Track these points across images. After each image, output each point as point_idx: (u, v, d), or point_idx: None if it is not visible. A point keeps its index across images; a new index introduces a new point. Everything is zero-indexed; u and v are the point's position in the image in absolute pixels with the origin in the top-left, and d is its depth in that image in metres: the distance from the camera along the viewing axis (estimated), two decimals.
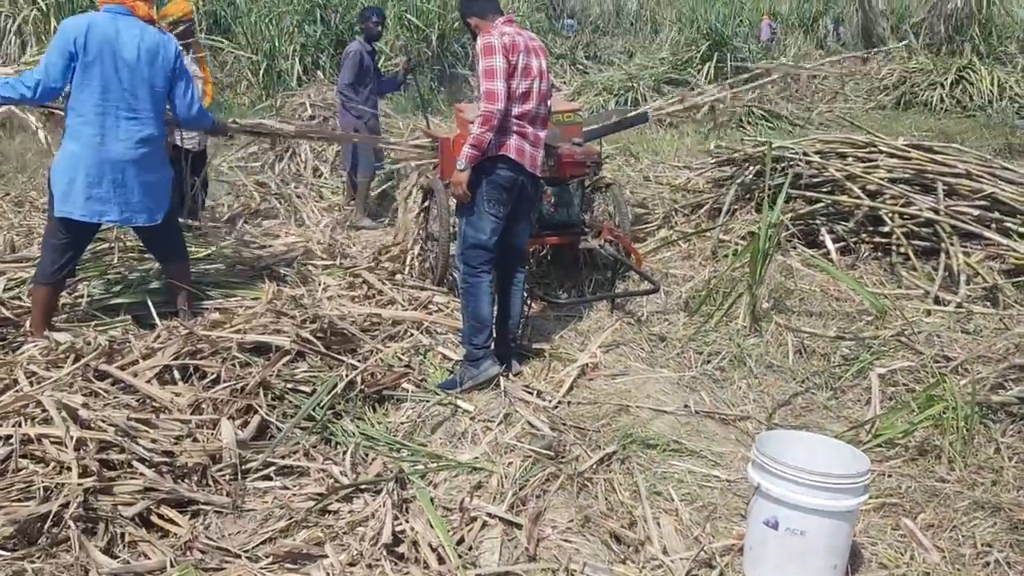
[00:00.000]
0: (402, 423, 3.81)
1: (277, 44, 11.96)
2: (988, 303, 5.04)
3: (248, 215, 6.97)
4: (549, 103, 4.28)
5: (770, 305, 4.85)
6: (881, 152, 5.93)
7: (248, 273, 5.17)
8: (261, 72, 11.75)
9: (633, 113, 6.04)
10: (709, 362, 4.40)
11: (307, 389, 3.77)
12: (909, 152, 5.87)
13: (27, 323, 4.21)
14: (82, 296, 4.61)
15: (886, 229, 5.53)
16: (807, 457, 2.73)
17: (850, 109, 13.07)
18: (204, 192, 6.28)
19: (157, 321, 4.16)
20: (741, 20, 16.12)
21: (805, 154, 5.91)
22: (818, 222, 5.82)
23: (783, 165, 6.04)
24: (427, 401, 3.92)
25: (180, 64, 4.25)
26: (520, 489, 3.14)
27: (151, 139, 4.17)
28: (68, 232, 4.13)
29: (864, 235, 5.73)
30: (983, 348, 3.99)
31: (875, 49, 16.86)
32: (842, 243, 5.73)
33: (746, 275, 4.73)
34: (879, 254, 5.68)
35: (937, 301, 5.01)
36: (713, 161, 6.64)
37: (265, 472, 3.29)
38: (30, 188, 7.32)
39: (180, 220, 4.91)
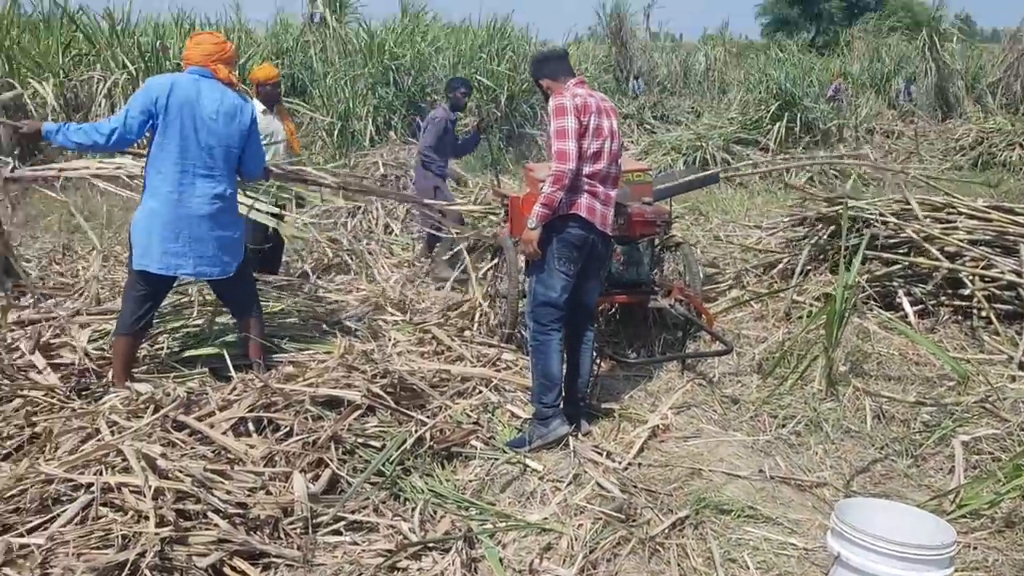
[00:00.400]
0: (470, 481, 3.79)
1: (351, 106, 12.30)
2: None
3: (321, 270, 7.11)
4: (620, 162, 4.30)
5: (847, 368, 4.74)
6: (960, 213, 5.79)
7: (320, 327, 5.25)
8: (336, 133, 12.08)
9: (703, 173, 6.02)
10: (784, 426, 4.30)
11: (377, 444, 3.78)
12: (989, 213, 5.73)
13: (109, 374, 4.34)
14: (162, 348, 4.74)
15: (967, 292, 5.38)
16: (889, 526, 2.63)
17: (925, 169, 12.83)
18: (281, 248, 6.47)
19: (233, 373, 4.24)
20: (811, 80, 16.03)
21: (881, 214, 5.80)
22: (895, 284, 5.69)
23: (858, 225, 5.94)
24: (495, 459, 3.90)
25: (255, 127, 4.42)
26: (590, 552, 3.09)
27: (225, 196, 4.31)
28: (146, 284, 4.27)
29: (943, 298, 5.58)
30: None
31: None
32: (920, 306, 5.59)
33: (821, 337, 4.64)
34: (959, 318, 5.53)
35: (1022, 367, 4.84)
36: (786, 220, 6.56)
37: (335, 527, 3.29)
38: (115, 243, 7.59)
39: (255, 274, 5.04)
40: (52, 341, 4.63)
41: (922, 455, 3.93)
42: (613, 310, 5.79)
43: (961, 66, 20.42)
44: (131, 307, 4.29)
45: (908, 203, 5.89)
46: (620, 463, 3.93)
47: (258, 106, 6.02)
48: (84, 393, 4.22)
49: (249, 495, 3.26)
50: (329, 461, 3.58)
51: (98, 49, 12.27)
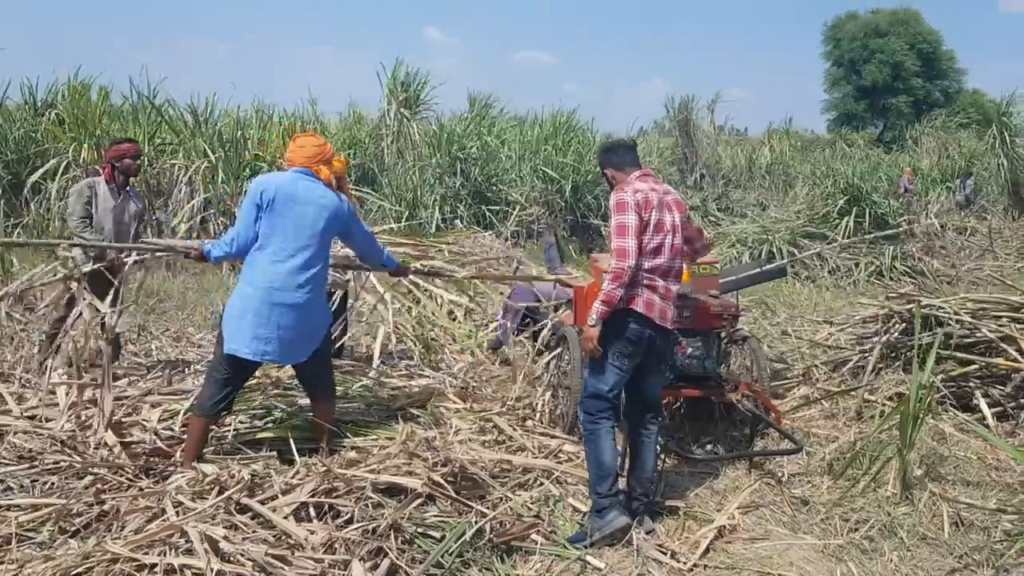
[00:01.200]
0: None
1: (419, 194, 12.61)
2: None
3: (384, 355, 7.18)
4: (682, 257, 4.28)
5: (922, 472, 4.56)
6: None
7: (383, 413, 5.27)
8: (403, 220, 12.38)
9: (771, 266, 5.98)
10: (856, 530, 4.13)
11: (436, 534, 3.75)
12: None
13: (178, 452, 4.41)
14: (228, 429, 4.81)
15: None
16: None
17: (1001, 267, 12.54)
18: (345, 331, 6.56)
19: (296, 457, 4.27)
20: (879, 176, 15.92)
21: (956, 313, 5.66)
22: (972, 385, 5.51)
23: (932, 324, 5.80)
24: (556, 555, 3.81)
25: (353, 218, 4.62)
26: None
27: (316, 287, 4.44)
28: (232, 368, 4.38)
29: (1023, 400, 5.37)
30: None
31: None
32: (999, 408, 5.38)
33: (894, 438, 4.48)
34: None
35: None
36: (858, 317, 6.44)
37: None
38: (188, 324, 7.81)
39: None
40: (124, 420, 4.74)
41: (1004, 566, 3.72)
42: (679, 404, 5.70)
43: None
44: (213, 389, 4.40)
45: (983, 302, 5.73)
46: (685, 564, 3.82)
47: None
48: (151, 473, 4.29)
49: None
50: (388, 550, 3.55)
51: (181, 139, 12.87)
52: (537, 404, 5.59)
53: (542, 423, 5.45)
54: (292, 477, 4.03)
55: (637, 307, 4.00)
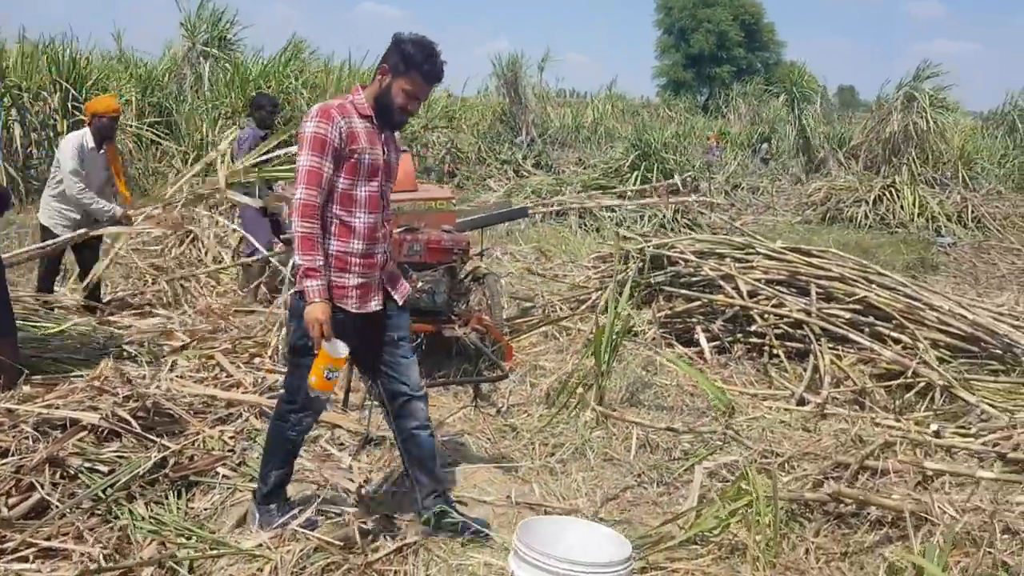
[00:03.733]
0: (205, 509, 3.60)
1: (208, 136, 12.05)
2: (857, 407, 4.96)
3: (135, 297, 6.83)
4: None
5: (626, 397, 4.74)
6: (758, 253, 5.95)
7: (97, 353, 4.98)
8: (189, 162, 11.80)
9: (512, 208, 6.05)
10: (553, 454, 4.25)
11: (105, 469, 3.57)
12: (786, 255, 5.90)
13: None
14: None
15: (756, 328, 5.49)
16: (570, 545, 2.57)
17: (777, 221, 13.32)
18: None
19: None
20: (681, 136, 16.54)
21: (682, 253, 5.91)
22: (694, 320, 5.78)
23: (664, 264, 6.04)
24: (235, 488, 3.71)
25: None
26: None
27: None
28: None
29: (740, 335, 5.68)
30: (812, 445, 3.87)
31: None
32: (717, 342, 5.68)
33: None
34: (755, 354, 5.63)
35: (802, 402, 4.93)
36: (593, 256, 6.63)
37: (24, 553, 3.05)
38: None
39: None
40: None
41: (674, 483, 3.92)
42: (418, 339, 5.69)
43: (826, 129, 21.50)
44: None
45: (712, 243, 6.01)
46: (375, 489, 3.81)
47: (88, 140, 5.76)
48: None
49: None
50: (39, 485, 3.35)
51: None
52: (271, 341, 5.44)
53: (272, 360, 5.31)
54: None
55: None
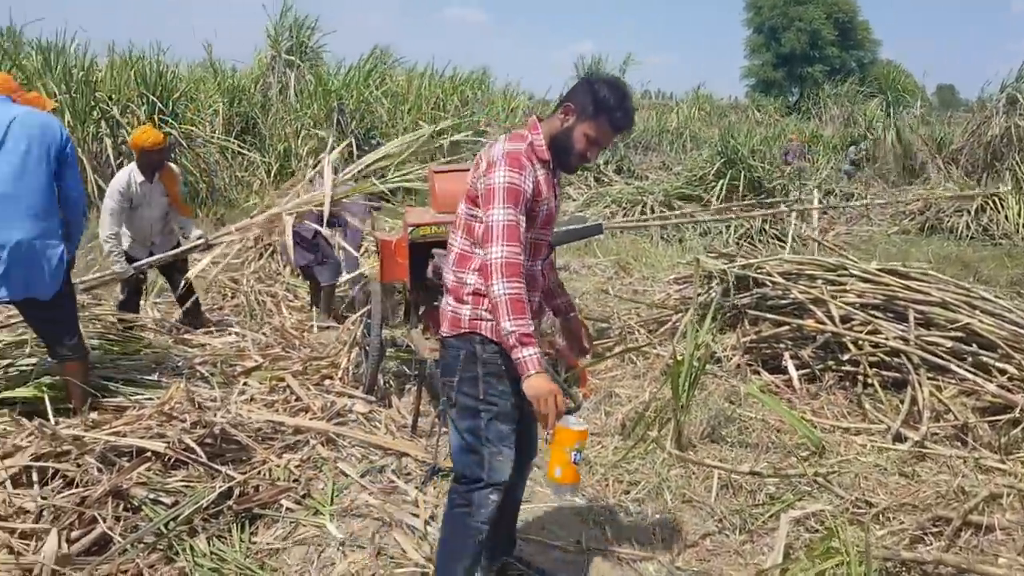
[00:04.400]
0: (269, 544, 3.51)
1: (292, 146, 12.18)
2: (959, 443, 4.60)
3: (213, 313, 6.88)
4: None
5: (707, 432, 4.49)
6: (852, 275, 5.60)
7: (170, 373, 4.98)
8: (272, 173, 11.94)
9: (585, 225, 5.83)
10: (628, 492, 4.04)
11: (169, 500, 3.51)
12: (882, 277, 5.53)
13: None
14: None
15: (848, 357, 5.16)
16: None
17: (872, 232, 12.73)
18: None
19: (52, 419, 3.99)
20: (759, 140, 16.01)
21: (769, 274, 5.61)
22: (782, 346, 5.47)
23: (750, 285, 5.75)
24: (298, 522, 3.62)
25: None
26: None
27: None
28: None
29: (831, 363, 5.35)
30: (910, 495, 3.56)
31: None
32: (807, 370, 5.36)
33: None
34: (847, 383, 5.30)
35: (898, 438, 4.59)
36: (671, 277, 6.36)
37: None
38: None
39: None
40: None
41: (757, 530, 3.66)
42: None
43: (925, 131, 20.52)
44: None
45: (801, 264, 5.69)
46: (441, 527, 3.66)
47: (136, 175, 5.80)
48: None
49: None
50: (101, 519, 3.31)
51: (30, 78, 12.09)
52: (342, 363, 5.36)
53: (342, 382, 5.24)
54: (24, 439, 3.74)
55: None
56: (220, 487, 3.63)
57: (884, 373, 5.17)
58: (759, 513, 3.76)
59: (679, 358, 4.20)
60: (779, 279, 5.58)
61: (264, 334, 5.96)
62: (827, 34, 45.34)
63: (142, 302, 6.39)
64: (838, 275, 5.65)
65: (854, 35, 46.97)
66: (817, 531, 3.46)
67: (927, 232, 12.56)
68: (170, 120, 11.40)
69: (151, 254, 5.90)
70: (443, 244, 5.03)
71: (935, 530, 3.26)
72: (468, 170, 5.39)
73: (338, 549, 3.46)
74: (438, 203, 5.33)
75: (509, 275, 2.54)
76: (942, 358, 5.00)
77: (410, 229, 5.13)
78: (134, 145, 5.86)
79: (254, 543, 3.51)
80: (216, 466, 3.83)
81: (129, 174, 5.75)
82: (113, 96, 11.63)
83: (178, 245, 6.06)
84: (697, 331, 4.35)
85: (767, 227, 11.06)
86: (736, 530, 3.69)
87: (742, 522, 3.73)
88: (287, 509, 3.72)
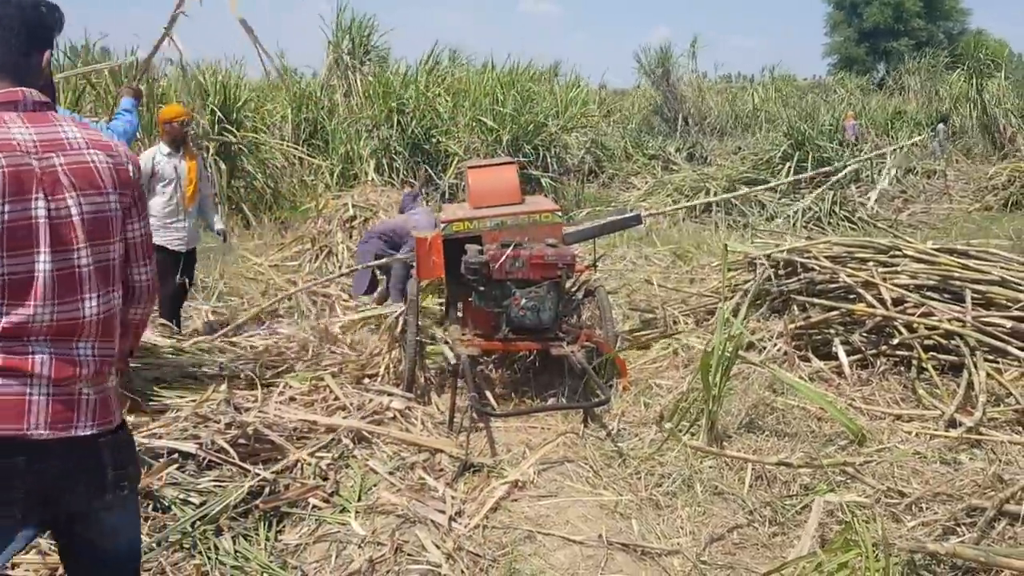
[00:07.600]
0: (295, 543, 3.55)
1: (352, 148, 12.32)
2: (1020, 428, 4.36)
3: (267, 313, 7.02)
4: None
5: (744, 422, 4.36)
6: (906, 256, 5.35)
7: (212, 374, 5.09)
8: (334, 175, 12.10)
9: (623, 216, 5.70)
10: (660, 485, 3.95)
11: (198, 500, 3.60)
12: (937, 256, 5.28)
13: None
14: None
15: (897, 341, 4.94)
16: None
17: (952, 209, 12.20)
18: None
19: None
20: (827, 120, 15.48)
21: (815, 258, 5.41)
22: (832, 332, 5.27)
23: (798, 269, 5.56)
24: (323, 519, 3.65)
25: None
26: None
27: None
28: None
29: (884, 347, 5.13)
30: (945, 484, 3.37)
31: None
32: (859, 355, 5.15)
33: (717, 388, 4.27)
34: (902, 368, 5.07)
35: (953, 424, 4.37)
36: (715, 264, 6.19)
37: None
38: None
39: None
40: None
41: (788, 522, 3.53)
42: (531, 357, 5.52)
43: (1017, 103, 19.50)
44: None
45: (851, 246, 5.47)
46: (468, 523, 3.66)
47: (163, 148, 6.00)
48: None
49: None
50: None
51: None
52: (383, 361, 5.41)
53: (384, 380, 5.27)
54: None
55: None
56: (247, 486, 3.69)
57: (940, 356, 4.94)
58: (791, 505, 3.63)
59: (709, 348, 4.08)
60: (826, 263, 5.37)
61: (311, 336, 6.03)
62: (911, 6, 43.51)
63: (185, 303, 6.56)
64: (890, 256, 5.42)
65: (941, 5, 44.95)
66: (847, 522, 3.31)
67: (1011, 208, 11.97)
68: (231, 128, 11.66)
69: (185, 242, 6.05)
70: (477, 240, 5.03)
71: (969, 520, 3.08)
72: (504, 165, 5.36)
73: (358, 546, 3.47)
74: (473, 199, 5.33)
75: None
76: (1001, 339, 4.75)
77: (442, 226, 5.14)
78: (162, 118, 6.24)
79: (279, 541, 3.55)
80: (248, 466, 3.89)
81: (155, 149, 6.05)
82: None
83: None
84: (729, 321, 4.21)
85: (836, 208, 10.70)
86: (766, 522, 3.57)
87: (773, 514, 3.61)
88: (314, 507, 3.76)
